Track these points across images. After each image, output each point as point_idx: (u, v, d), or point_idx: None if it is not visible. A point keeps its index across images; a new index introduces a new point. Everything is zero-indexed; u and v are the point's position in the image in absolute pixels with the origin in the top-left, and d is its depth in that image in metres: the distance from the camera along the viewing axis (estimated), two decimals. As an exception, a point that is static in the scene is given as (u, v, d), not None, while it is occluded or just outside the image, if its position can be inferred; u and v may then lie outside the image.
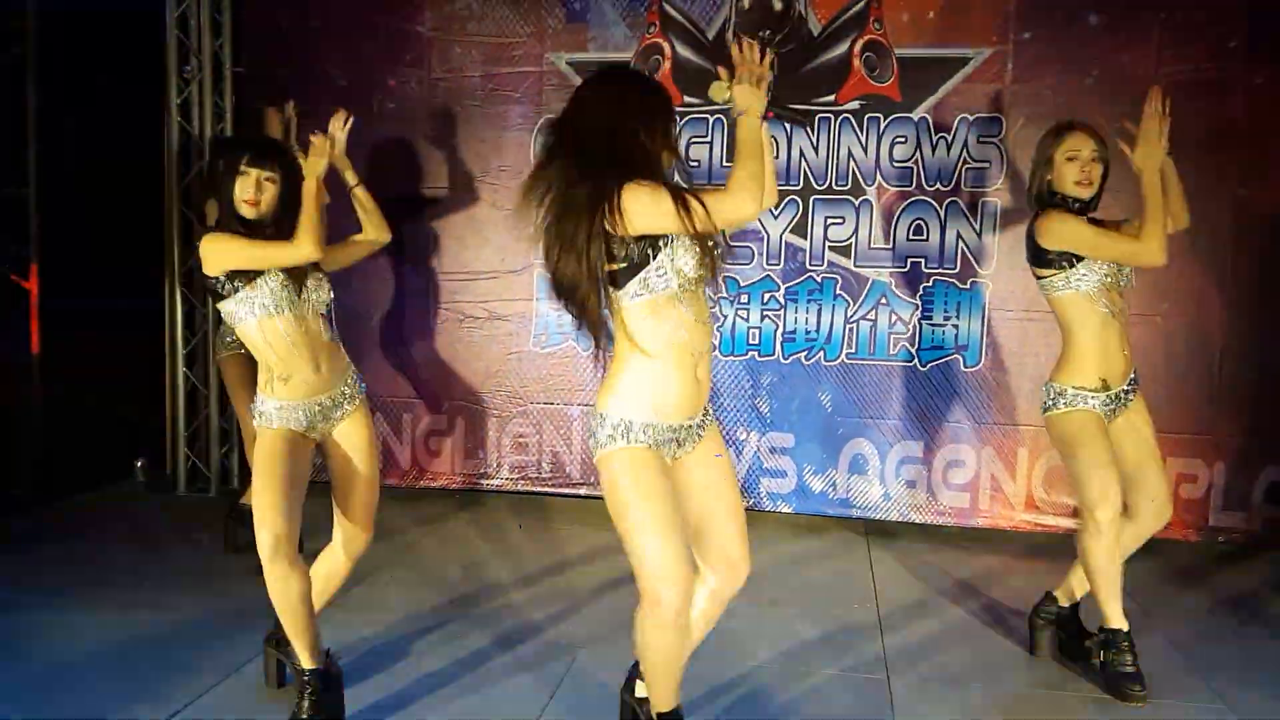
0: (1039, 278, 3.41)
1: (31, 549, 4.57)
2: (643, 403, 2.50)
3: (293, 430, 3.01)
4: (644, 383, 2.50)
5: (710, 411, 2.70)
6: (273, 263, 2.97)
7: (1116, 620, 3.33)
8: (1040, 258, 3.37)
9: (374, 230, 3.33)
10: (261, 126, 4.57)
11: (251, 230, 2.98)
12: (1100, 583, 3.32)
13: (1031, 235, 3.37)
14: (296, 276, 3.02)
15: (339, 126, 3.21)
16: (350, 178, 3.29)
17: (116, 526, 4.96)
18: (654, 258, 2.42)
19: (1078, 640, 3.54)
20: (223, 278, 2.97)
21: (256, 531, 2.86)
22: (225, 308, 3.01)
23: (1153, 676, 3.31)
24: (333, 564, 3.20)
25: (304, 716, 2.93)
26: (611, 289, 2.48)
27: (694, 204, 2.33)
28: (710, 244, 2.47)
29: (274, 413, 3.01)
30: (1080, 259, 3.29)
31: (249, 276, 2.96)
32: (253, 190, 2.97)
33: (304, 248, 2.95)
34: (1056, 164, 3.33)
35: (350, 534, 3.17)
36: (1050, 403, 3.42)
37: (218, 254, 2.95)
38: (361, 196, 3.31)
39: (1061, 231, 3.29)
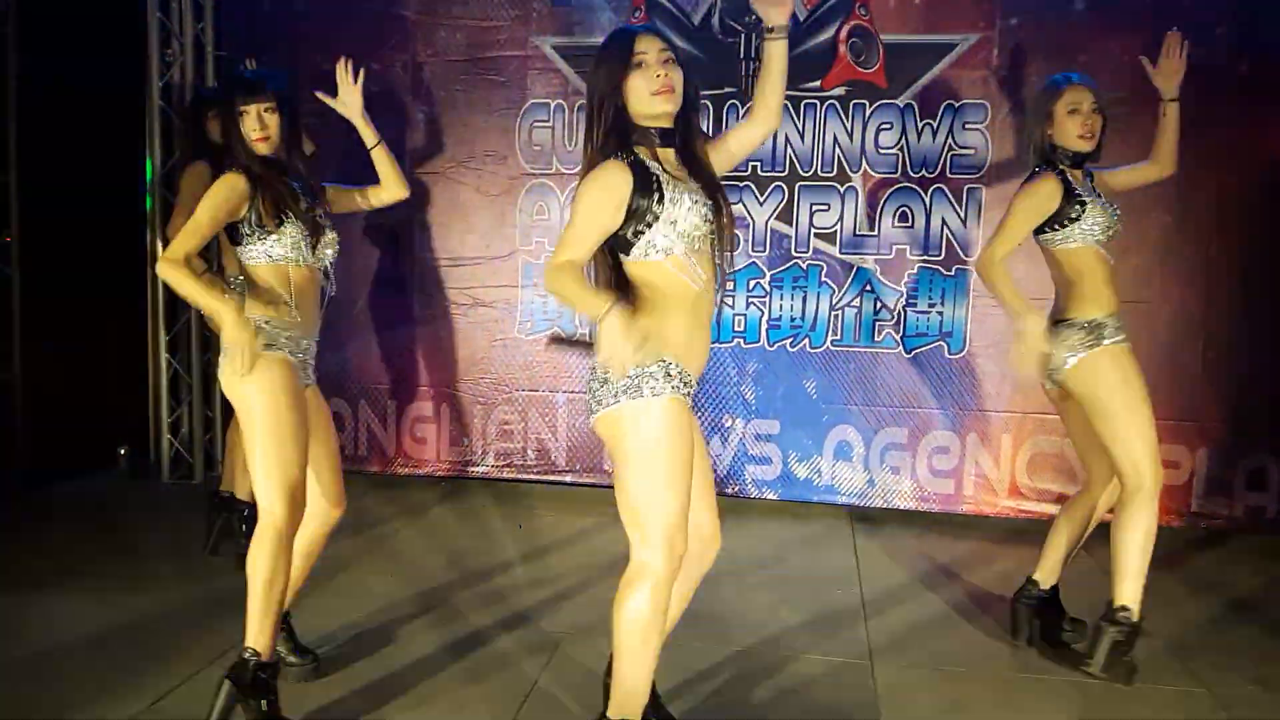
0: (1040, 235, 3.34)
1: (12, 536, 4.54)
2: (672, 344, 2.46)
3: (292, 364, 2.94)
4: (668, 325, 2.46)
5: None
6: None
7: (1138, 605, 3.27)
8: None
9: (393, 187, 3.31)
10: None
11: (267, 167, 2.95)
12: (1143, 561, 3.24)
13: None
14: (315, 230, 3.01)
15: (349, 79, 3.19)
16: (369, 136, 3.25)
17: (99, 514, 4.93)
18: (655, 223, 2.43)
19: (1059, 623, 3.56)
20: (250, 220, 2.91)
21: (266, 496, 2.80)
22: (244, 250, 2.96)
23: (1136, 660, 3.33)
24: (309, 540, 3.14)
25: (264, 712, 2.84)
26: (621, 255, 2.49)
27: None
28: (720, 200, 2.52)
29: (282, 333, 2.92)
30: (1085, 210, 3.26)
31: (275, 223, 2.92)
32: (258, 125, 2.93)
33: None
34: (1057, 118, 3.30)
35: (324, 506, 3.13)
36: (1090, 340, 3.26)
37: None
38: (381, 155, 3.28)
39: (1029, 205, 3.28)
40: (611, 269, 2.55)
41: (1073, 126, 3.27)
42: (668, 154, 2.51)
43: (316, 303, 3.06)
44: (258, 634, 2.83)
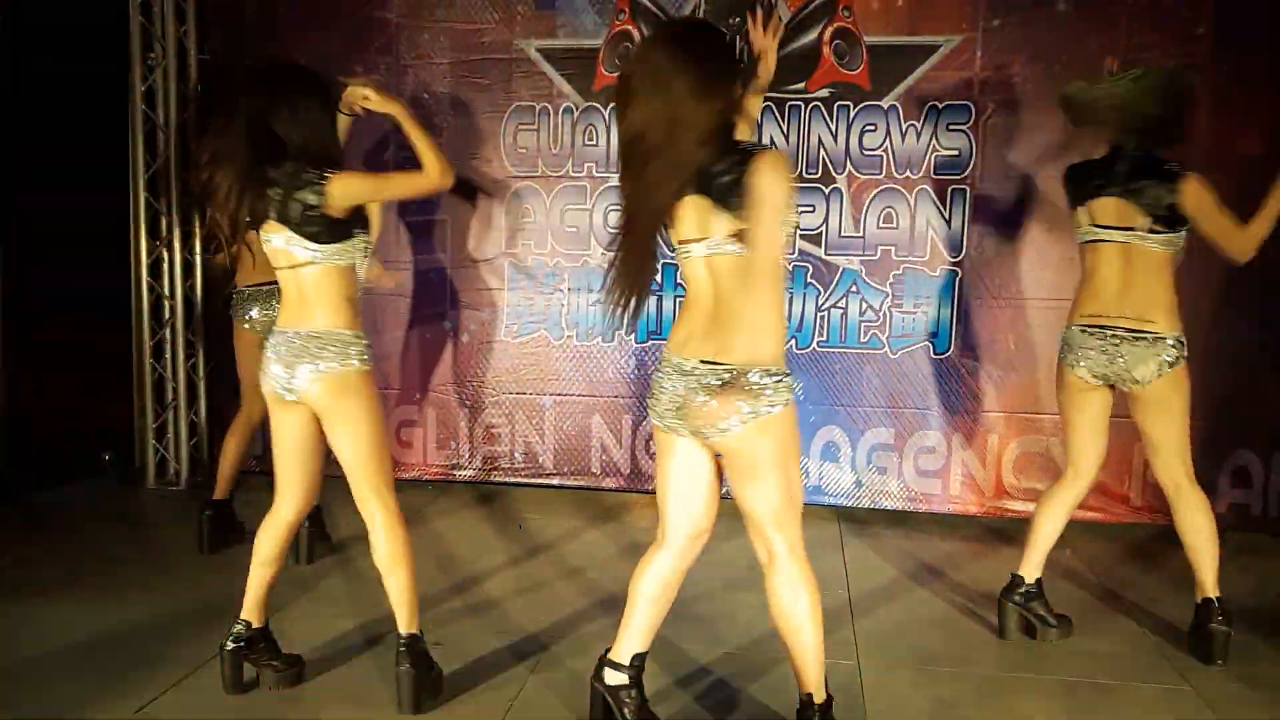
0: (1154, 233, 3.33)
1: (-4, 543, 4.53)
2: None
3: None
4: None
5: None
6: (405, 192, 3.48)
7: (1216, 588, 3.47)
8: (1174, 218, 3.33)
9: (438, 175, 3.25)
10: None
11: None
12: (1215, 550, 3.46)
13: (1172, 194, 3.31)
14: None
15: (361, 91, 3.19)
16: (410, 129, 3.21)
17: (83, 519, 4.91)
18: None
19: (1044, 619, 3.58)
20: (352, 220, 2.96)
21: (388, 498, 3.10)
22: (344, 249, 2.95)
23: (1118, 658, 3.36)
24: (282, 538, 3.18)
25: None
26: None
27: None
28: None
29: (368, 348, 3.02)
30: (1185, 222, 3.32)
31: (367, 223, 3.02)
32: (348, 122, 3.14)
33: (437, 174, 3.07)
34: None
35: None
36: (1181, 354, 3.36)
37: (353, 190, 2.95)
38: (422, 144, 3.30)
39: (1204, 201, 3.31)
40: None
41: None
42: None
43: None
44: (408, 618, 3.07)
